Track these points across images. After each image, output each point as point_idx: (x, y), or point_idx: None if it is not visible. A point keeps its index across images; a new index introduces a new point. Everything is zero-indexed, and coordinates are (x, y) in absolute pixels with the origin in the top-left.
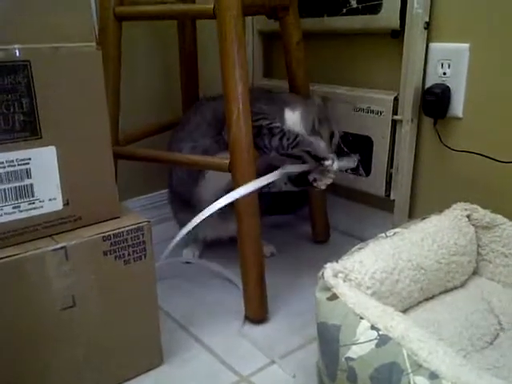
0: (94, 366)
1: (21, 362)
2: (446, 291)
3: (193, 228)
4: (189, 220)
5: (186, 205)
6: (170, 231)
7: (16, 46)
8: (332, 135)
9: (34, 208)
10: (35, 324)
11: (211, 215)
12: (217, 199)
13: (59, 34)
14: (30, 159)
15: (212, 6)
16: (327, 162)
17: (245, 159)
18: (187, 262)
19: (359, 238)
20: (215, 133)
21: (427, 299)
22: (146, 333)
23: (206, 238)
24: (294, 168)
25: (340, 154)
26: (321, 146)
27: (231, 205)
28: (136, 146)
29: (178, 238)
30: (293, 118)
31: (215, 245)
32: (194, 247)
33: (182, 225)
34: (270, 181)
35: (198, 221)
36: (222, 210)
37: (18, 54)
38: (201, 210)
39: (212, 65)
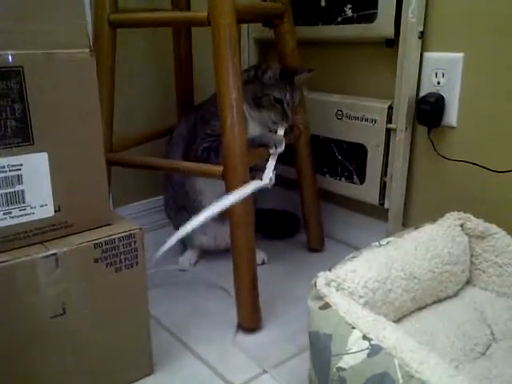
0: (84, 373)
1: (9, 368)
2: (439, 301)
3: (188, 234)
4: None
5: (181, 208)
6: (163, 238)
7: (9, 51)
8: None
9: (25, 214)
10: (25, 331)
11: (207, 223)
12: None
13: (53, 41)
14: (21, 165)
15: (206, 13)
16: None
17: (238, 166)
18: (182, 270)
19: (353, 246)
20: (184, 150)
21: (420, 309)
22: (136, 341)
23: (202, 245)
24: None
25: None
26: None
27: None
28: (130, 153)
29: (167, 246)
30: None
31: (212, 253)
32: (190, 255)
33: (178, 228)
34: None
35: (190, 228)
36: (218, 219)
37: (10, 59)
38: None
39: (207, 71)
